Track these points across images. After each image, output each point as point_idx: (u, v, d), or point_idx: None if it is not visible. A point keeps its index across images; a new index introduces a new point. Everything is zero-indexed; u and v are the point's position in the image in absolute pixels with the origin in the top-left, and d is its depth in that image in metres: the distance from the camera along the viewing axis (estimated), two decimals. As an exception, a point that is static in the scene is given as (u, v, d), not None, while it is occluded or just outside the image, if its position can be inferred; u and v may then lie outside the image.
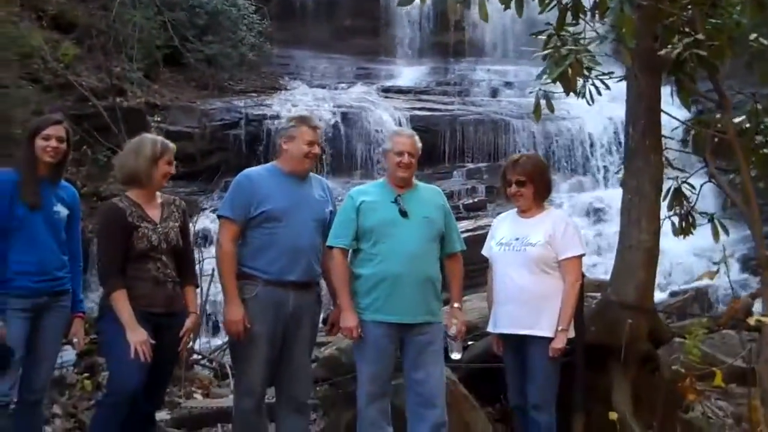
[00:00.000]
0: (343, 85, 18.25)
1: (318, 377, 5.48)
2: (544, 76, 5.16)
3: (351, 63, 19.61)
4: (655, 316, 5.40)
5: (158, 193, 4.62)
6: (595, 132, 15.42)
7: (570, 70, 4.98)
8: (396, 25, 20.59)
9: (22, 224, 4.38)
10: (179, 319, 4.53)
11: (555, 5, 5.18)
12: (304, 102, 15.74)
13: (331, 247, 4.71)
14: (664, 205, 5.67)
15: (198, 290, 4.80)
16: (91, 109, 12.77)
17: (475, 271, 5.40)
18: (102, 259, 4.46)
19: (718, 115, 5.55)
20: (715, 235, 6.06)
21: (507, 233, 4.85)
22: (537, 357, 4.64)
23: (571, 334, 4.70)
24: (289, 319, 4.64)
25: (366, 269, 4.65)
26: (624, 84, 5.58)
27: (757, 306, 7.72)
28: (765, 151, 5.69)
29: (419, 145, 4.83)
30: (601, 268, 10.90)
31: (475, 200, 13.86)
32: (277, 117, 14.56)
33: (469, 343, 5.08)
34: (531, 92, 5.82)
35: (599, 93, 5.64)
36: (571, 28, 5.28)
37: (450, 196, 12.47)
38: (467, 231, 10.32)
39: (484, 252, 4.97)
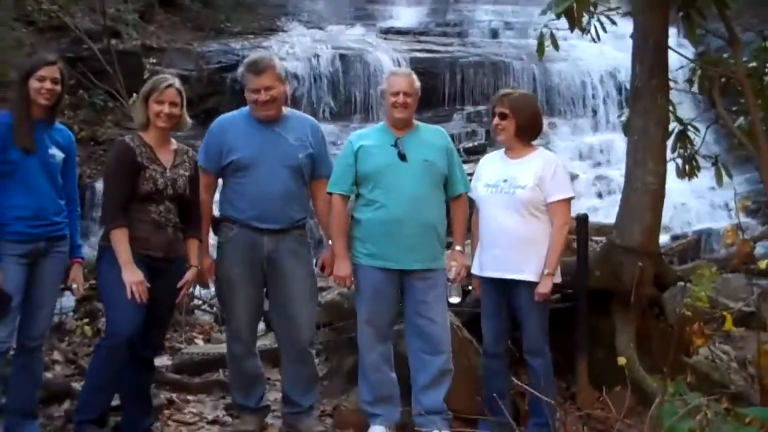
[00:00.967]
0: (340, 26, 17.93)
1: (319, 322, 5.44)
2: (549, 11, 5.02)
3: (349, 3, 19.23)
4: (661, 260, 5.34)
5: (173, 140, 4.58)
6: (596, 75, 15.20)
7: (575, 5, 4.84)
8: (394, -36, 20.17)
9: (16, 168, 4.28)
10: (178, 266, 4.47)
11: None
12: (302, 43, 15.47)
13: (330, 193, 4.64)
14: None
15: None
16: (86, 52, 12.48)
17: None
18: (106, 195, 4.45)
19: (725, 55, 5.43)
20: (718, 179, 5.99)
21: (494, 174, 4.69)
22: (525, 302, 4.53)
23: (558, 279, 4.60)
24: (265, 261, 4.60)
25: (365, 214, 4.58)
26: (628, 25, 5.43)
27: (758, 249, 7.71)
28: (774, 92, 5.57)
29: (417, 84, 4.68)
30: (602, 212, 10.82)
31: (475, 144, 13.67)
32: (274, 59, 14.31)
33: (470, 287, 5.01)
34: (536, 30, 5.68)
35: (605, 30, 5.51)
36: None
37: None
38: (468, 175, 10.20)
39: (470, 194, 4.82)
